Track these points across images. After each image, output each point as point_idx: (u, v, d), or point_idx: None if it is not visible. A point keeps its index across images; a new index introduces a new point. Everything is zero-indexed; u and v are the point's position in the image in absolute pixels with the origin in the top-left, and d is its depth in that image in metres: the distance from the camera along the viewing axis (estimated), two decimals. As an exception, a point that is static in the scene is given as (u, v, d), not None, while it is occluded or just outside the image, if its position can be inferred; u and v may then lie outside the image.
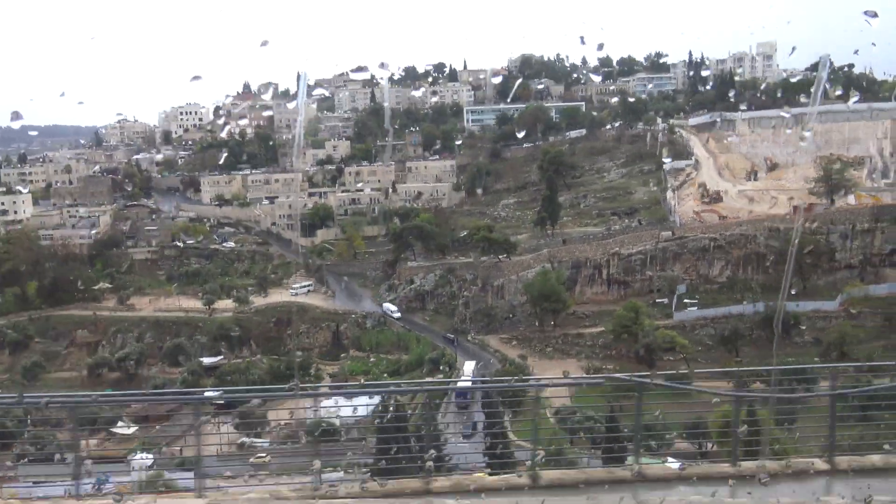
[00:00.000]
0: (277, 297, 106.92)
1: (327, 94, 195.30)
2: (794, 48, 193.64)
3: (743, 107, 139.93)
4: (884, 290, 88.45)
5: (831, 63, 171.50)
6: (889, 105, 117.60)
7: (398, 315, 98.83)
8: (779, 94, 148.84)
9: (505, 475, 9.24)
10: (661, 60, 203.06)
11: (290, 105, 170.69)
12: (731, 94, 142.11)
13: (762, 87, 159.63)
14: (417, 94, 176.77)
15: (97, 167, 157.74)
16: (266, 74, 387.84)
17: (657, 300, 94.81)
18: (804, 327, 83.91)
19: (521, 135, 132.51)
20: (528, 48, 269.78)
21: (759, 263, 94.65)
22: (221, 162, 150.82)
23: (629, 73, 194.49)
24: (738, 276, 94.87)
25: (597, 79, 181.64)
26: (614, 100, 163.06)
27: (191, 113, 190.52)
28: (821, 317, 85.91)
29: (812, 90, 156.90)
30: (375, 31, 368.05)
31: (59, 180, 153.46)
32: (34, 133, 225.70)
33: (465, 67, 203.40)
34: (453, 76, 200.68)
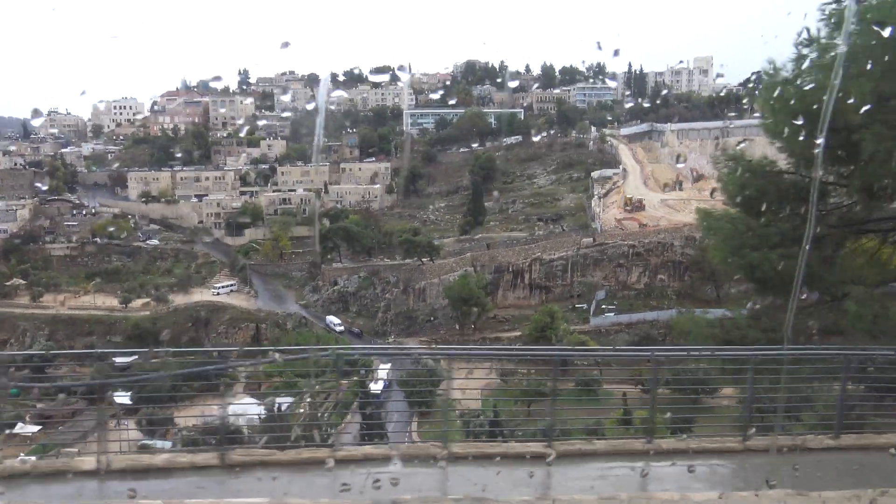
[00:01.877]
0: (199, 296, 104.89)
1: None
2: (721, 65, 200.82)
3: (676, 119, 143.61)
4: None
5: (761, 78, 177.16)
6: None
7: (342, 328, 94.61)
8: (711, 107, 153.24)
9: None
10: (611, 71, 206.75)
11: (239, 101, 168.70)
12: (663, 105, 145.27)
13: (691, 99, 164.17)
14: (356, 95, 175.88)
15: (21, 160, 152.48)
16: (207, 70, 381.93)
17: (577, 305, 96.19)
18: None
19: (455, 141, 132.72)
20: (474, 54, 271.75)
21: (676, 271, 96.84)
22: (152, 158, 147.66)
23: (571, 82, 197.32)
24: (656, 282, 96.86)
25: (513, 84, 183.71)
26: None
27: (125, 107, 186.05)
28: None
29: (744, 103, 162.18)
30: (325, 32, 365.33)
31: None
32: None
33: (409, 71, 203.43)
34: (396, 79, 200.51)
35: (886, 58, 11.63)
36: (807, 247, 11.67)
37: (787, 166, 14.08)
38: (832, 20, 12.77)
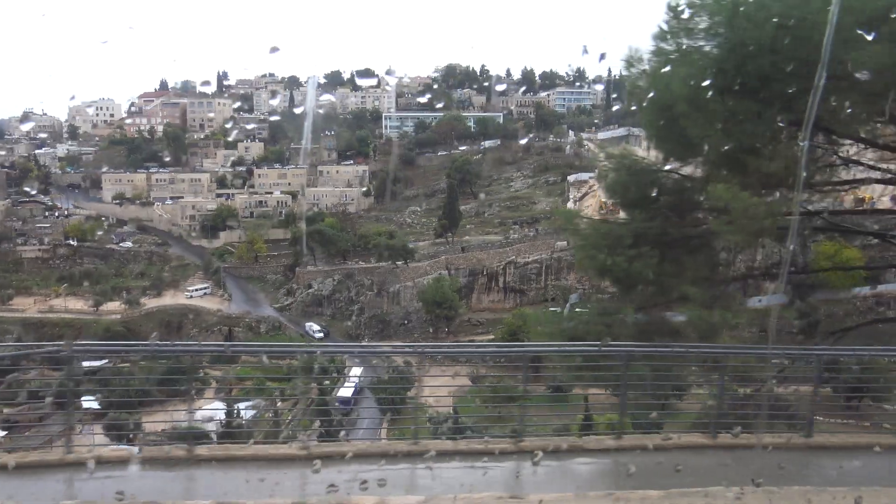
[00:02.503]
0: (172, 299, 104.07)
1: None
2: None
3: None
4: (760, 302, 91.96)
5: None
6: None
7: (322, 335, 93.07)
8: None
9: None
10: (592, 76, 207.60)
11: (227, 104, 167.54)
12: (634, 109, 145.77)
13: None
14: (336, 98, 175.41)
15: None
16: (187, 72, 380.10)
17: (551, 309, 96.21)
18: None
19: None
20: (455, 58, 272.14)
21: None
22: (128, 159, 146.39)
23: (551, 86, 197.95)
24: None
25: (500, 88, 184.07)
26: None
27: (102, 108, 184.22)
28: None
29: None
30: (306, 35, 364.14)
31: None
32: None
33: (391, 74, 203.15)
34: (377, 82, 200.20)
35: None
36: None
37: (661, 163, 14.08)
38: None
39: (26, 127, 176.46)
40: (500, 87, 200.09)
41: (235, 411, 48.22)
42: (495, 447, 9.34)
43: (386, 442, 10.00)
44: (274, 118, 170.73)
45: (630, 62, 13.49)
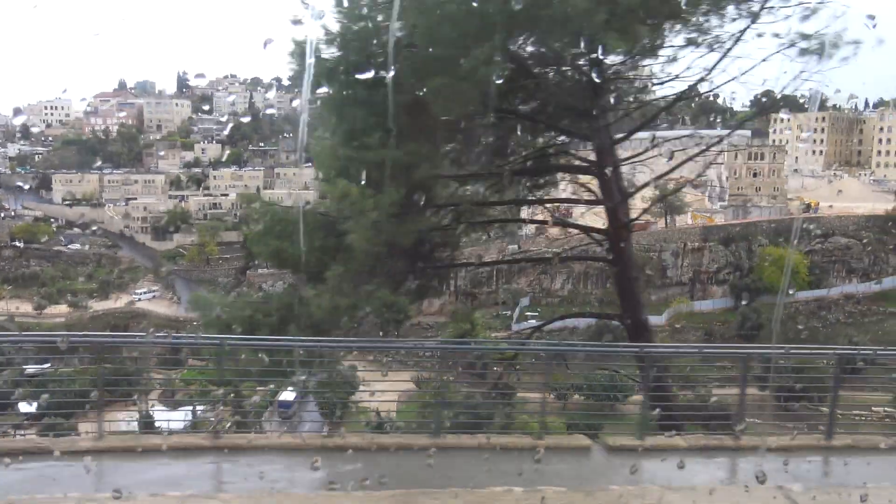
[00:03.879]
0: (119, 302, 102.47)
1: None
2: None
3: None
4: (708, 305, 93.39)
5: (697, 92, 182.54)
6: (724, 132, 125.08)
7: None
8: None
9: None
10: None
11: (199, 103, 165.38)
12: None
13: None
14: (297, 100, 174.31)
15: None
16: (145, 72, 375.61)
17: (501, 312, 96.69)
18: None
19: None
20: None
21: (599, 277, 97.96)
22: (81, 160, 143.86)
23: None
24: (579, 289, 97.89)
25: None
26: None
27: (57, 108, 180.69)
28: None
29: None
30: (269, 35, 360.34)
31: None
32: None
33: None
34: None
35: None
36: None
37: None
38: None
39: (18, 120, 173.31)
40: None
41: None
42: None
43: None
44: (234, 119, 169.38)
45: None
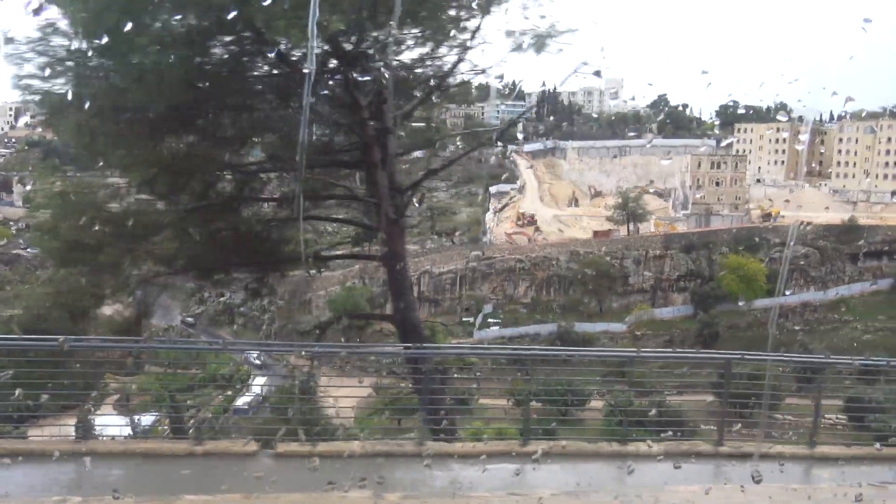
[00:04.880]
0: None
1: None
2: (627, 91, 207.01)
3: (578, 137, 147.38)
4: (669, 313, 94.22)
5: (667, 102, 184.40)
6: (691, 141, 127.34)
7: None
8: (611, 126, 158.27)
9: None
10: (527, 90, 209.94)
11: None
12: (565, 124, 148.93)
13: (601, 118, 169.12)
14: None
15: None
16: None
17: (464, 319, 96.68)
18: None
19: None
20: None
21: (561, 285, 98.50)
22: (43, 162, 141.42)
23: (484, 98, 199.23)
24: (542, 296, 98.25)
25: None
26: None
27: (23, 109, 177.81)
28: (609, 337, 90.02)
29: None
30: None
31: None
32: None
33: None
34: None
35: None
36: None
37: None
38: None
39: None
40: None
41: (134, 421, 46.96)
42: None
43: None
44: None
45: None
